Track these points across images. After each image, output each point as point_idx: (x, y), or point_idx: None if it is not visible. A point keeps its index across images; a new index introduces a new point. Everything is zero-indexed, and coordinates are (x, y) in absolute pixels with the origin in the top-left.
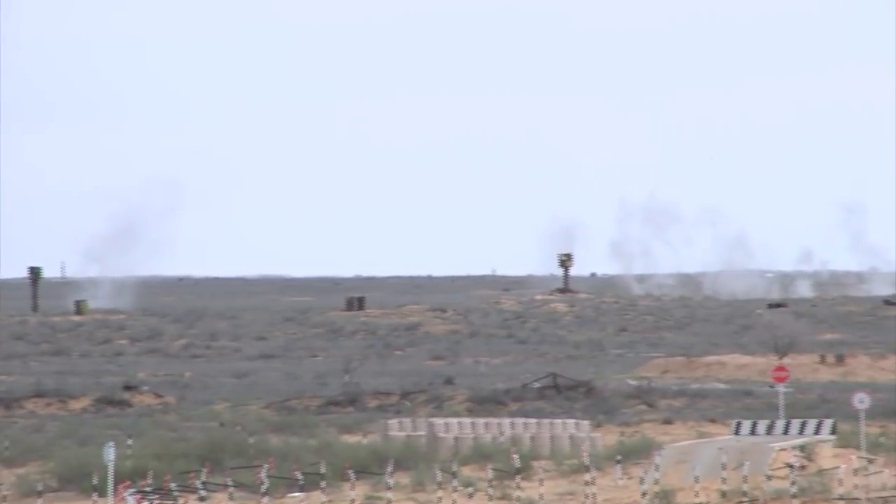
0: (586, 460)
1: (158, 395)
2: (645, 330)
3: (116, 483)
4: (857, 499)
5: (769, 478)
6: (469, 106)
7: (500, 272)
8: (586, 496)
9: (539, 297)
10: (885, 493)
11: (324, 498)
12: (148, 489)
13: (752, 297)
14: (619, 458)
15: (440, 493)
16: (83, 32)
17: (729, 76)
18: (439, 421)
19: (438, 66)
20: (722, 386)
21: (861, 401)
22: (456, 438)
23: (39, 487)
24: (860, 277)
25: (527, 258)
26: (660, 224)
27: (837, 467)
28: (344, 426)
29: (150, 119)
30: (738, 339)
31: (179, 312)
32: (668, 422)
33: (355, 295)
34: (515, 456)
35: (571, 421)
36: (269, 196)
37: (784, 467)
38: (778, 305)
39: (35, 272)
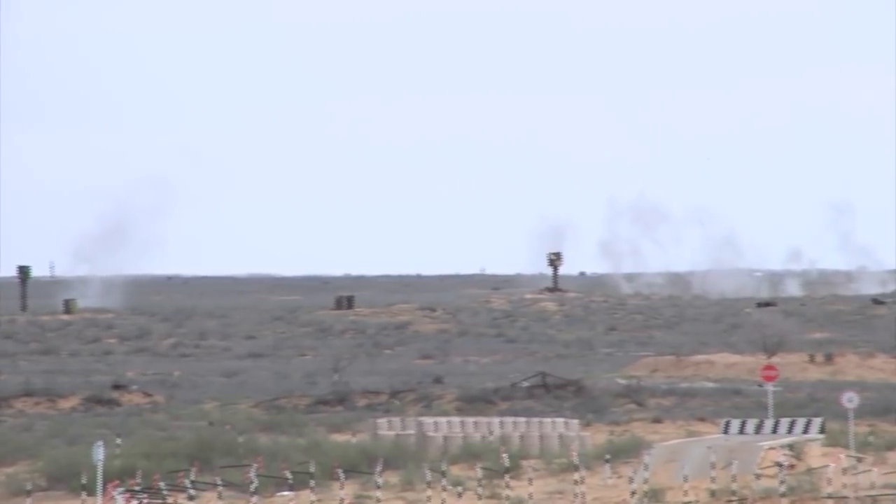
0: (575, 459)
1: (147, 395)
2: (634, 329)
3: (105, 482)
4: (845, 497)
5: (758, 477)
6: (458, 106)
7: (490, 271)
8: (575, 495)
9: (528, 296)
10: (873, 492)
11: (313, 497)
12: (137, 488)
13: (742, 296)
14: (608, 457)
15: (429, 493)
16: (73, 32)
17: (718, 76)
18: (428, 420)
19: (426, 66)
20: (711, 385)
21: (850, 400)
22: (445, 437)
23: (28, 487)
24: (849, 276)
25: (516, 257)
26: (649, 223)
27: (826, 466)
28: (333, 425)
29: (139, 118)
30: (727, 338)
31: (168, 311)
32: (657, 421)
33: (344, 294)
34: (505, 455)
35: (561, 420)
36: (258, 195)
37: (773, 466)
38: (767, 304)
39: (24, 271)
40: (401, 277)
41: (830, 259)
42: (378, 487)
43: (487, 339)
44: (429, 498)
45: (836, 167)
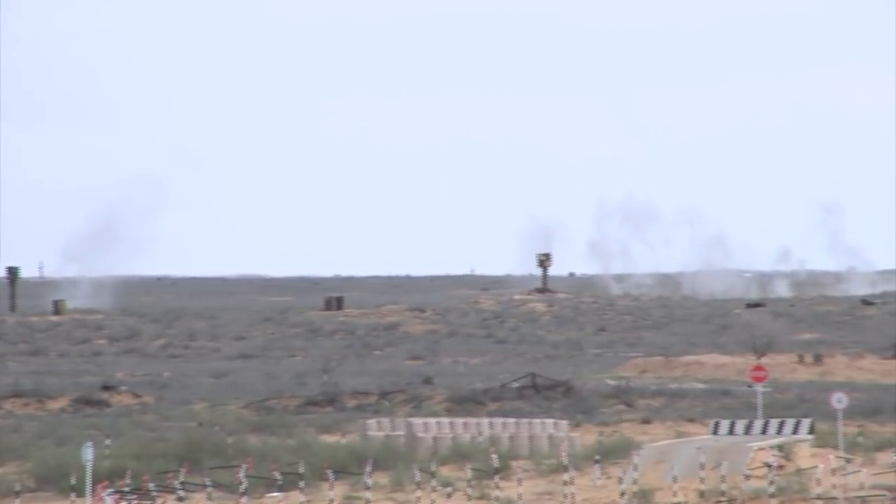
0: (565, 460)
1: (137, 395)
2: (623, 330)
3: (94, 483)
4: (834, 498)
5: (747, 477)
6: (448, 107)
7: (479, 272)
8: (565, 496)
9: (518, 296)
10: (862, 493)
11: (302, 498)
12: (126, 489)
13: (731, 297)
14: (597, 457)
15: (419, 493)
16: (64, 31)
17: (707, 77)
18: (418, 421)
19: (416, 67)
20: (700, 386)
21: (839, 400)
22: (435, 438)
23: (17, 487)
24: (838, 277)
25: (505, 258)
26: (638, 224)
27: (815, 467)
28: (323, 426)
29: (129, 118)
30: (716, 339)
31: (158, 312)
32: (646, 421)
33: (334, 295)
34: (494, 456)
35: (550, 421)
36: (248, 196)
37: (762, 467)
38: (756, 305)
39: (13, 272)
40: (390, 278)
41: (820, 260)
42: (367, 488)
43: (477, 339)
44: (418, 499)
45: (825, 167)
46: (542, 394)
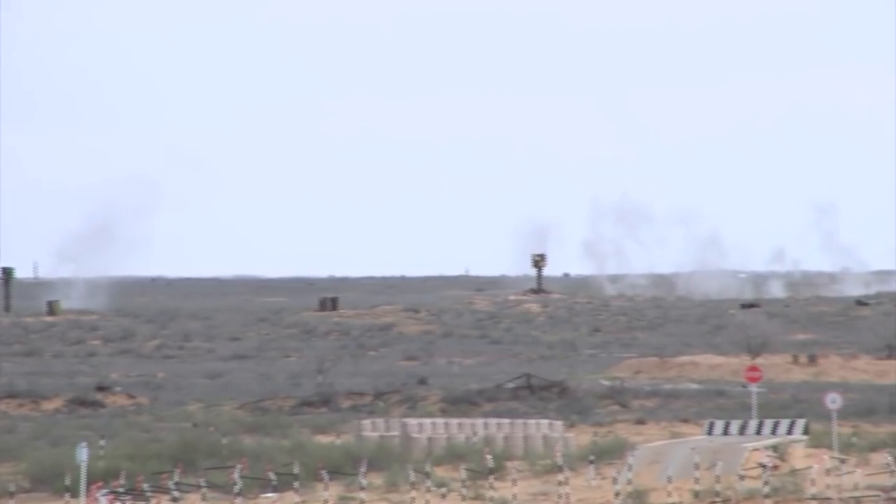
0: (559, 460)
1: (131, 396)
2: (618, 330)
3: (89, 484)
4: (829, 499)
5: (742, 478)
6: (442, 107)
7: (474, 272)
8: (559, 496)
9: (512, 297)
10: (856, 493)
11: (297, 498)
12: (121, 490)
13: (725, 298)
14: (592, 458)
15: (413, 494)
16: (60, 31)
17: (702, 77)
18: (413, 421)
19: (410, 67)
20: (695, 386)
21: (833, 401)
22: (429, 439)
23: (12, 488)
24: (832, 278)
25: (500, 258)
26: (633, 224)
27: (810, 467)
28: (317, 427)
29: (125, 118)
30: (710, 340)
31: (152, 313)
32: (641, 422)
33: (329, 295)
34: (489, 456)
35: (545, 421)
36: (242, 197)
37: (757, 467)
38: (751, 305)
39: (7, 272)
40: (385, 279)
41: (814, 260)
42: (362, 489)
43: (471, 340)
44: (413, 499)
45: (819, 168)
46: (536, 394)
